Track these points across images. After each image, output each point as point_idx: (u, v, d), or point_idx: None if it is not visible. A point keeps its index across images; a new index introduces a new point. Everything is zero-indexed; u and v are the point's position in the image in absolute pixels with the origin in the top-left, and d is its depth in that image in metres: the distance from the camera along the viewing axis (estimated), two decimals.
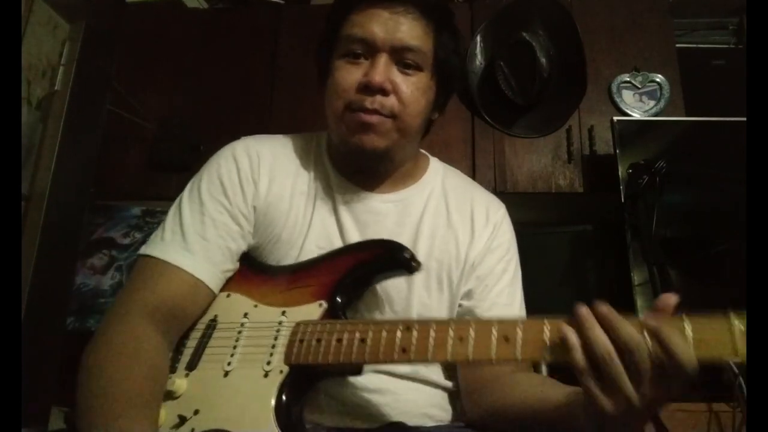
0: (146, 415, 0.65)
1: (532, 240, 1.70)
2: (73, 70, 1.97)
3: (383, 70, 0.79)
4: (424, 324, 0.67)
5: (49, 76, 1.94)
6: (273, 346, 0.73)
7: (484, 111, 1.83)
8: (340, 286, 0.77)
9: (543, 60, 1.73)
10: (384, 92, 0.79)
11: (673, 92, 1.80)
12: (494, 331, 0.62)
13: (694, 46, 2.09)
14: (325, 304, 0.76)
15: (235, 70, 1.94)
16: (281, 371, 0.71)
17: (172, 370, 0.74)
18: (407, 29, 0.80)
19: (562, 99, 1.81)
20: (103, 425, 0.62)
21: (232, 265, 0.83)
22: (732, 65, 1.95)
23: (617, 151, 1.63)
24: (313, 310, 0.76)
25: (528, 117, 1.82)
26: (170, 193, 1.82)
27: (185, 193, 0.86)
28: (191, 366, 0.74)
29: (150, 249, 0.79)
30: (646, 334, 0.54)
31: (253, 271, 0.84)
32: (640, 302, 1.47)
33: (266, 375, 0.71)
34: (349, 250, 0.82)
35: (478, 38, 1.87)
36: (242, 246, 0.84)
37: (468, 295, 0.87)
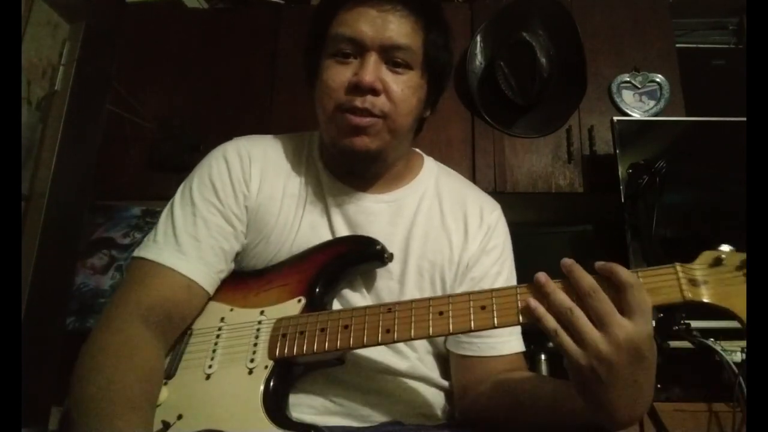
0: (142, 417, 0.65)
1: (532, 240, 1.70)
2: (73, 70, 1.97)
3: (373, 69, 0.78)
4: (404, 304, 0.70)
5: (49, 76, 1.94)
6: (255, 344, 0.74)
7: (484, 111, 1.83)
8: (316, 280, 0.78)
9: (543, 60, 1.73)
10: (374, 92, 0.78)
11: (673, 92, 1.80)
12: (471, 303, 0.66)
13: (694, 46, 2.09)
14: (304, 300, 0.77)
15: (235, 70, 1.94)
16: (266, 366, 0.72)
17: None
18: (396, 27, 0.79)
19: (562, 99, 1.81)
20: (98, 427, 0.62)
21: (226, 266, 0.83)
22: (732, 65, 1.95)
23: (617, 151, 1.63)
24: (293, 307, 0.77)
25: (528, 117, 1.82)
26: (170, 193, 1.80)
27: (177, 196, 0.86)
28: (169, 374, 0.74)
29: (143, 251, 0.79)
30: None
31: (226, 278, 0.84)
32: None
33: (251, 372, 0.72)
34: (321, 247, 0.83)
35: (478, 38, 1.87)
36: (235, 246, 0.84)
37: None
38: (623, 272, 0.59)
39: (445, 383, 0.86)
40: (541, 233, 1.81)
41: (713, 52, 2.05)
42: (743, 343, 1.29)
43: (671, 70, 1.84)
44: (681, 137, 1.66)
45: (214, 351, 0.76)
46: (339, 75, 0.80)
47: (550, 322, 0.60)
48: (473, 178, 1.76)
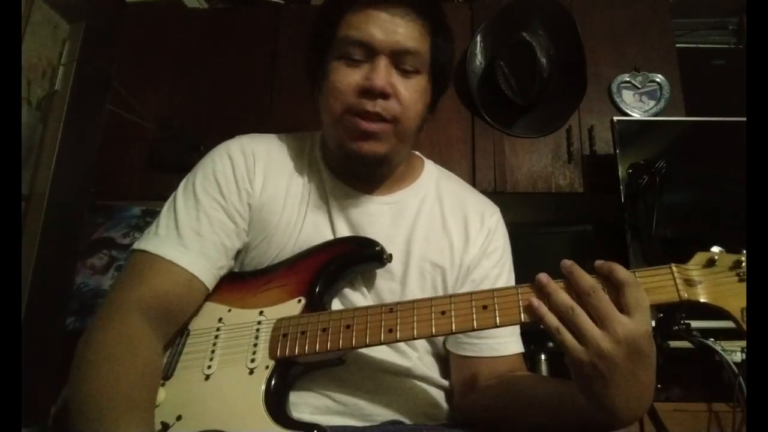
0: (142, 416, 0.65)
1: (532, 240, 1.70)
2: (73, 70, 1.97)
3: (385, 73, 0.78)
4: (406, 303, 0.70)
5: (49, 76, 1.94)
6: (255, 345, 0.74)
7: (484, 111, 1.83)
8: (316, 281, 0.78)
9: (543, 60, 1.73)
10: (385, 96, 0.78)
11: (673, 92, 1.80)
12: (473, 302, 0.67)
13: (694, 46, 2.09)
14: (304, 300, 0.77)
15: (235, 70, 1.94)
16: (267, 366, 0.72)
17: None
18: (405, 31, 0.79)
19: (562, 99, 1.81)
20: (98, 427, 0.62)
21: (227, 262, 0.83)
22: (732, 65, 1.96)
23: (617, 151, 1.63)
24: (293, 307, 0.77)
25: (528, 117, 1.82)
26: (170, 193, 1.81)
27: (179, 190, 0.85)
28: (166, 375, 0.74)
29: (144, 244, 0.78)
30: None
31: (223, 279, 0.84)
32: None
33: (251, 372, 0.72)
34: (320, 248, 0.83)
35: (478, 38, 1.87)
36: (237, 243, 0.84)
37: None
38: (621, 271, 0.61)
39: (445, 382, 0.86)
40: (541, 233, 1.81)
41: (713, 52, 2.05)
42: (743, 343, 1.29)
43: (671, 70, 1.84)
44: (681, 137, 1.66)
45: (212, 352, 0.75)
46: (348, 77, 0.79)
47: (552, 320, 0.61)
48: (473, 178, 1.77)
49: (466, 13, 1.93)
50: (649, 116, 1.78)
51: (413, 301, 0.70)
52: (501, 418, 0.76)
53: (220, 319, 0.79)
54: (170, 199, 0.85)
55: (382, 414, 0.79)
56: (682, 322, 1.27)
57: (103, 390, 0.64)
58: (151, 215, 1.83)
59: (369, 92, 0.77)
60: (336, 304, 0.82)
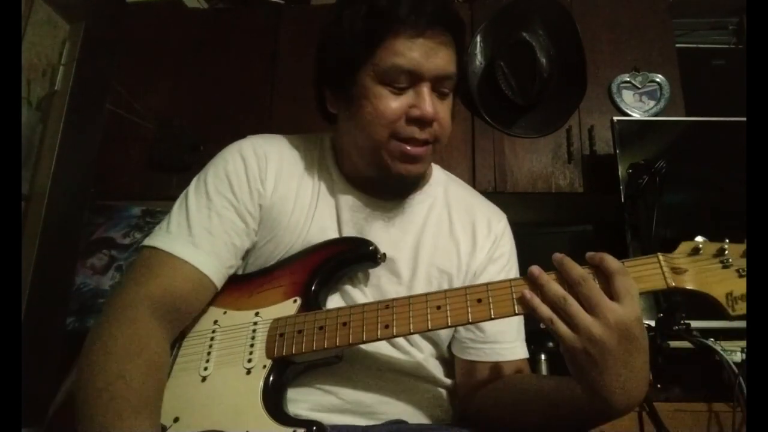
0: (149, 414, 0.65)
1: (532, 240, 1.70)
2: (73, 70, 1.97)
3: (432, 101, 0.79)
4: (402, 300, 0.71)
5: (49, 76, 1.94)
6: (251, 345, 0.74)
7: (484, 111, 1.83)
8: (311, 281, 0.79)
9: (543, 60, 1.73)
10: (431, 123, 0.80)
11: (673, 92, 1.80)
12: (467, 296, 0.68)
13: (694, 46, 2.09)
14: (299, 300, 0.77)
15: (235, 70, 1.94)
16: (264, 366, 0.72)
17: None
18: (446, 56, 0.80)
19: (562, 99, 1.80)
20: (105, 424, 0.62)
21: (236, 262, 0.83)
22: (732, 65, 1.95)
23: (617, 151, 1.63)
24: (288, 307, 0.77)
25: (528, 117, 1.82)
26: (170, 193, 1.83)
27: (191, 188, 0.85)
28: None
29: (155, 240, 0.78)
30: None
31: None
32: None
33: (249, 372, 0.72)
34: (315, 249, 0.83)
35: (478, 38, 1.87)
36: (246, 243, 0.84)
37: None
38: (611, 261, 0.63)
39: (449, 382, 0.87)
40: (541, 233, 1.81)
41: (713, 52, 2.05)
42: (743, 343, 1.29)
43: (671, 70, 1.84)
44: (681, 137, 1.66)
45: (208, 353, 0.76)
46: (394, 104, 0.79)
47: (545, 311, 0.63)
48: (473, 178, 1.77)
49: (466, 13, 1.92)
50: (649, 116, 1.77)
51: (409, 297, 0.71)
52: (503, 416, 0.77)
53: (215, 322, 0.79)
54: (182, 197, 0.85)
55: (386, 412, 0.79)
56: (682, 322, 1.27)
57: (111, 387, 0.64)
58: (151, 215, 1.83)
59: (420, 121, 0.79)
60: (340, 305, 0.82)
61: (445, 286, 0.86)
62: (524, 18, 1.83)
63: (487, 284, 0.68)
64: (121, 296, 0.74)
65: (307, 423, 0.67)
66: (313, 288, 0.78)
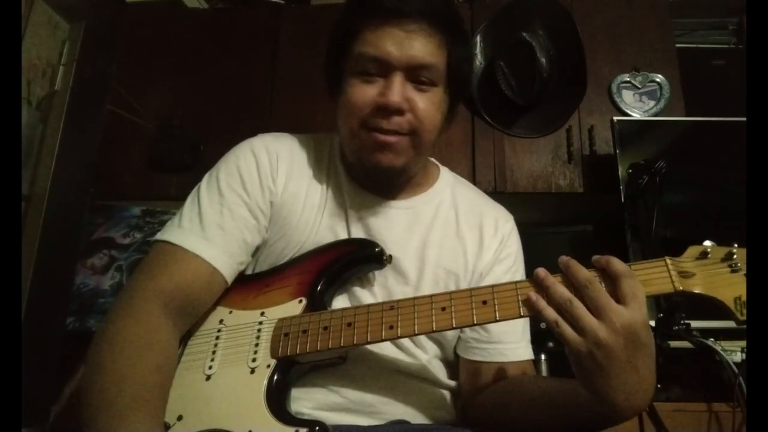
0: (154, 413, 0.65)
1: (532, 240, 1.70)
2: (73, 70, 1.97)
3: (399, 90, 0.78)
4: (406, 301, 0.71)
5: (49, 76, 1.94)
6: (256, 345, 0.74)
7: (484, 111, 1.83)
8: (317, 282, 0.79)
9: (543, 60, 1.73)
10: (400, 112, 0.78)
11: (673, 92, 1.80)
12: (472, 298, 0.68)
13: (694, 46, 2.09)
14: (305, 300, 0.78)
15: (235, 70, 1.94)
16: (268, 365, 0.72)
17: None
18: (421, 47, 0.78)
19: (562, 99, 1.80)
20: (109, 419, 0.62)
21: (246, 258, 0.83)
22: (732, 65, 1.95)
23: (617, 151, 1.63)
24: (294, 307, 0.77)
25: (528, 117, 1.82)
26: (170, 193, 1.83)
27: (203, 184, 0.85)
28: None
29: (167, 235, 0.78)
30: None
31: None
32: None
33: (253, 371, 0.72)
34: (321, 250, 0.83)
35: (478, 38, 1.87)
36: (257, 240, 0.84)
37: None
38: (617, 264, 0.63)
39: (452, 383, 0.87)
40: (541, 233, 1.81)
41: (713, 52, 2.05)
42: (743, 343, 1.29)
43: (671, 70, 1.83)
44: (681, 137, 1.66)
45: (213, 352, 0.76)
46: (364, 93, 0.79)
47: (551, 313, 0.62)
48: (473, 178, 1.77)
49: (466, 13, 1.92)
50: (649, 116, 1.77)
51: (414, 299, 0.71)
52: (507, 418, 0.77)
53: (221, 321, 0.79)
54: (193, 193, 0.85)
55: (389, 412, 0.79)
56: (682, 322, 1.27)
57: (117, 383, 0.64)
58: (151, 215, 1.83)
59: (384, 109, 0.78)
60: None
61: (452, 287, 0.86)
62: (524, 18, 1.83)
63: (492, 286, 0.68)
64: (132, 290, 0.74)
65: (310, 423, 0.67)
66: (318, 288, 0.79)
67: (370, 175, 0.86)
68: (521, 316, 0.66)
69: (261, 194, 0.84)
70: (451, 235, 0.89)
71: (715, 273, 0.66)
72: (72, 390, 0.77)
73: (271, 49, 1.95)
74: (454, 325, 0.68)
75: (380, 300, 0.83)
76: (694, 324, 1.29)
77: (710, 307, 0.66)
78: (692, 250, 0.68)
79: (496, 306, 0.67)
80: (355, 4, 0.83)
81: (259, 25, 1.98)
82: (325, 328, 0.72)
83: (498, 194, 1.75)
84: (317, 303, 0.77)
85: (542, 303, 0.64)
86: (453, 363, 0.88)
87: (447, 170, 1.00)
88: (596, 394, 0.61)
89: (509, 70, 1.77)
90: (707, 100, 1.81)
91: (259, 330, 0.76)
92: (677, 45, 1.90)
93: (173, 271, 0.75)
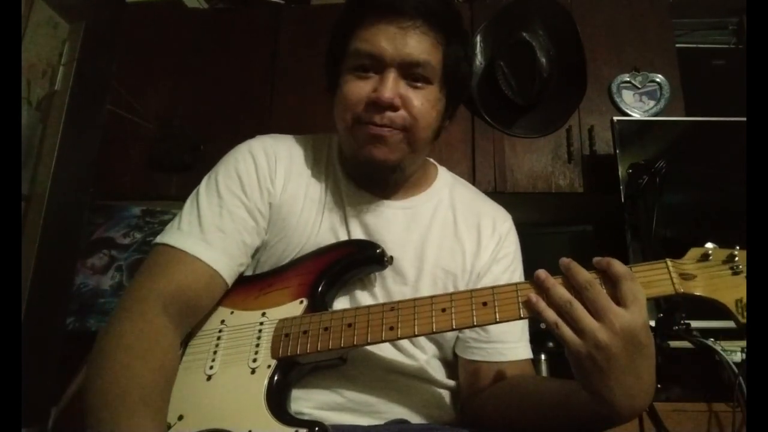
0: (156, 414, 0.65)
1: (532, 240, 1.70)
2: (73, 70, 1.97)
3: (392, 86, 0.78)
4: (407, 302, 0.71)
5: (49, 76, 1.94)
6: (257, 345, 0.75)
7: (484, 111, 1.83)
8: (318, 283, 0.79)
9: (543, 60, 1.73)
10: (393, 108, 0.78)
11: (673, 92, 1.80)
12: (473, 299, 0.68)
13: (694, 46, 2.09)
14: (306, 301, 0.78)
15: (235, 70, 1.94)
16: (269, 366, 0.72)
17: None
18: (415, 44, 0.79)
19: (562, 99, 1.80)
20: (110, 421, 0.62)
21: (246, 260, 0.83)
22: (732, 65, 1.95)
23: (617, 151, 1.63)
24: (294, 308, 0.77)
25: (528, 117, 1.82)
26: (170, 193, 1.83)
27: (202, 186, 0.85)
28: None
29: (167, 238, 0.78)
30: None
31: None
32: None
33: (253, 372, 0.72)
34: (322, 251, 0.83)
35: (478, 38, 1.87)
36: (256, 242, 0.84)
37: None
38: (618, 266, 0.63)
39: (451, 383, 0.87)
40: (541, 233, 1.81)
41: (713, 52, 2.05)
42: (743, 343, 1.29)
43: (671, 70, 1.83)
44: (681, 137, 1.66)
45: (214, 353, 0.76)
46: (358, 89, 0.80)
47: (551, 315, 0.62)
48: (473, 178, 1.77)
49: (466, 13, 1.92)
50: (649, 116, 1.77)
51: (414, 300, 0.71)
52: (506, 418, 0.77)
53: (222, 321, 0.79)
54: (192, 195, 0.85)
55: (389, 412, 0.79)
56: (682, 322, 1.27)
57: (118, 383, 0.64)
58: (151, 215, 1.83)
59: (376, 105, 0.78)
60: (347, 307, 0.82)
61: (450, 287, 0.86)
62: (524, 18, 1.83)
63: (492, 287, 0.68)
64: (133, 293, 0.74)
65: (309, 423, 0.67)
66: (319, 289, 0.79)
67: (367, 173, 0.86)
68: (521, 318, 0.66)
69: (260, 196, 0.84)
70: (449, 235, 0.89)
71: (716, 275, 0.66)
72: (73, 391, 0.77)
73: (271, 49, 1.95)
74: (454, 327, 0.68)
75: (380, 300, 0.83)
76: (694, 324, 1.29)
77: (710, 307, 0.66)
78: (693, 252, 0.68)
79: (496, 307, 0.67)
80: (354, 2, 0.83)
81: (259, 25, 1.98)
82: (326, 329, 0.72)
83: (498, 194, 1.75)
84: (318, 304, 0.77)
85: (542, 304, 0.64)
86: (452, 363, 0.88)
87: (445, 170, 1.00)
88: (596, 395, 0.61)
89: (509, 70, 1.77)
90: (707, 100, 1.81)
91: (260, 330, 0.76)
92: (677, 45, 1.90)
93: (173, 274, 0.75)
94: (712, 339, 1.28)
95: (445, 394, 0.86)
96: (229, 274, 0.79)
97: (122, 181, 1.85)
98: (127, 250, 1.81)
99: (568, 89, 1.80)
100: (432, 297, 0.71)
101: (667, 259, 0.66)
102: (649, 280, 0.65)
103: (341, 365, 0.77)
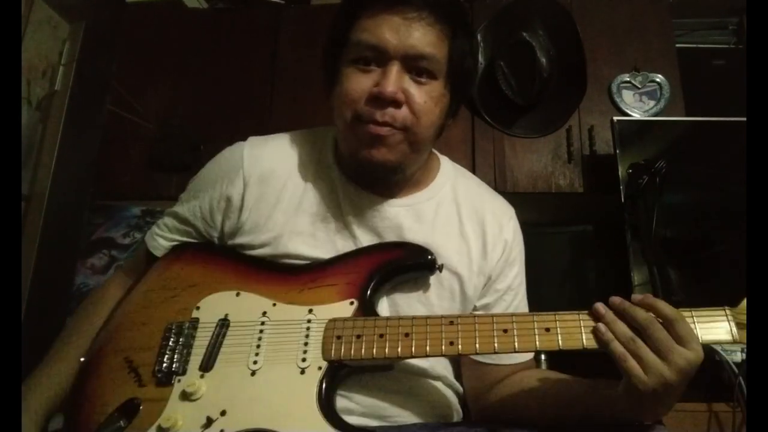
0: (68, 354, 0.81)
1: (532, 240, 1.70)
2: (73, 70, 1.97)
3: (395, 79, 0.75)
4: (467, 318, 0.71)
5: (49, 76, 1.93)
6: (305, 344, 0.72)
7: (484, 111, 1.83)
8: (368, 284, 0.77)
9: (543, 60, 1.73)
10: (396, 104, 0.75)
11: (673, 92, 1.80)
12: (535, 323, 0.68)
13: (694, 46, 2.08)
14: (356, 302, 0.76)
15: (235, 70, 1.94)
16: (320, 367, 0.70)
17: (182, 371, 0.73)
18: (421, 36, 0.75)
19: (562, 99, 1.80)
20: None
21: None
22: (732, 65, 1.95)
23: (617, 151, 1.63)
24: (344, 309, 0.75)
25: (528, 117, 1.82)
26: (170, 193, 1.82)
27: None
28: (206, 367, 0.73)
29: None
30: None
31: (264, 269, 0.82)
32: None
33: (303, 372, 0.70)
34: (370, 250, 0.82)
35: (478, 38, 1.87)
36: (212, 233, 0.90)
37: (485, 308, 0.88)
38: (666, 307, 0.65)
39: (458, 384, 0.87)
40: (541, 233, 1.81)
41: (713, 52, 2.05)
42: (743, 343, 1.29)
43: (671, 70, 1.83)
44: (681, 137, 1.66)
45: (258, 346, 0.73)
46: (359, 83, 0.77)
47: (619, 347, 0.64)
48: None
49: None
50: (649, 116, 1.77)
51: (474, 316, 0.71)
52: (525, 417, 0.77)
53: (264, 313, 0.76)
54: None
55: (400, 415, 0.78)
56: None
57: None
58: (151, 215, 1.83)
59: (379, 100, 0.75)
60: None
61: (456, 288, 0.84)
62: (524, 18, 1.82)
63: (555, 314, 0.68)
64: None
65: (362, 430, 0.67)
66: (368, 291, 0.77)
67: (366, 172, 0.83)
68: (584, 348, 0.66)
69: (216, 204, 0.88)
70: (454, 233, 0.87)
71: None
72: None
73: (271, 49, 1.94)
74: (516, 348, 0.68)
75: (384, 299, 0.82)
76: None
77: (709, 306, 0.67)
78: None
79: (559, 335, 0.67)
80: None
81: (259, 25, 1.98)
82: (381, 336, 0.70)
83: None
84: (367, 306, 0.75)
85: (610, 335, 0.64)
86: (456, 361, 0.88)
87: (447, 160, 0.97)
88: (640, 413, 0.66)
89: (509, 70, 1.77)
90: (707, 100, 1.81)
91: (308, 328, 0.74)
92: (677, 45, 1.90)
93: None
94: None
95: (453, 395, 0.86)
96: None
97: (122, 181, 1.85)
98: (127, 250, 1.81)
99: (568, 89, 1.80)
100: (493, 315, 0.70)
101: (726, 308, 0.67)
102: (709, 326, 0.66)
103: (389, 370, 0.75)
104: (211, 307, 0.78)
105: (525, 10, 1.84)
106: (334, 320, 0.73)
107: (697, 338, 0.63)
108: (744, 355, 1.26)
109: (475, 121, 1.85)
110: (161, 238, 0.90)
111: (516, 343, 0.68)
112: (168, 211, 0.93)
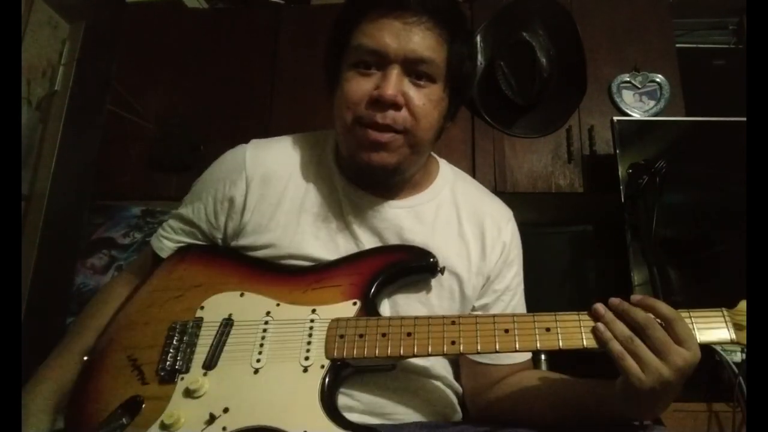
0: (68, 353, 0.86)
1: (532, 240, 1.70)
2: (73, 70, 1.97)
3: (395, 82, 0.76)
4: (468, 318, 0.71)
5: (49, 76, 1.93)
6: (308, 342, 0.73)
7: (484, 111, 1.83)
8: (371, 285, 0.78)
9: (543, 60, 1.73)
10: (396, 106, 0.77)
11: (673, 92, 1.80)
12: (535, 323, 0.69)
13: (694, 46, 2.08)
14: (359, 303, 0.76)
15: (235, 70, 1.94)
16: (322, 366, 0.71)
17: (185, 369, 0.73)
18: (420, 40, 0.77)
19: (562, 99, 1.80)
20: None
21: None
22: (732, 65, 1.95)
23: (617, 151, 1.63)
24: (347, 309, 0.76)
25: (528, 117, 1.82)
26: (170, 193, 1.82)
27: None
28: (209, 365, 0.73)
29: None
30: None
31: (268, 270, 0.83)
32: None
33: (306, 370, 0.71)
34: (374, 252, 0.83)
35: (478, 38, 1.87)
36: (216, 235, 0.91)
37: (484, 308, 0.89)
38: (664, 307, 0.66)
39: (457, 384, 0.87)
40: (541, 233, 1.81)
41: (713, 52, 2.05)
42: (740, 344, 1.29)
43: (671, 70, 1.83)
44: (681, 137, 1.66)
45: (261, 345, 0.74)
46: (360, 87, 0.78)
47: (617, 346, 0.65)
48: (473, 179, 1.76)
49: (466, 13, 1.92)
50: (649, 116, 1.77)
51: (475, 316, 0.72)
52: (524, 416, 0.78)
53: (267, 313, 0.77)
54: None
55: (401, 413, 0.79)
56: None
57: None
58: (151, 215, 1.83)
59: (379, 103, 0.76)
60: None
61: (456, 289, 0.85)
62: (524, 18, 1.82)
63: (555, 314, 0.69)
64: None
65: (365, 428, 0.67)
66: (371, 292, 0.78)
67: (366, 174, 0.84)
68: (584, 347, 0.67)
69: (220, 206, 0.89)
70: (453, 235, 0.88)
71: None
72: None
73: (271, 49, 1.94)
74: (517, 348, 0.69)
75: (385, 300, 0.82)
76: None
77: (709, 305, 0.68)
78: (745, 304, 0.69)
79: (560, 334, 0.68)
80: None
81: (259, 25, 1.98)
82: (384, 335, 0.71)
83: (498, 194, 1.72)
84: (370, 307, 0.76)
85: (609, 335, 0.65)
86: (455, 362, 0.88)
87: (446, 164, 0.98)
88: (639, 412, 0.66)
89: (509, 70, 1.77)
90: (707, 100, 1.81)
91: (311, 327, 0.75)
92: (677, 45, 1.90)
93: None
94: None
95: (453, 395, 0.86)
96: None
97: (122, 181, 1.85)
98: (127, 250, 1.81)
99: (568, 89, 1.80)
100: (493, 316, 0.71)
101: (723, 309, 0.68)
102: (707, 326, 0.67)
103: (391, 370, 0.76)
104: (215, 307, 0.79)
105: (525, 10, 1.84)
106: (337, 320, 0.74)
107: (695, 338, 0.64)
108: (744, 355, 1.26)
109: (475, 121, 1.85)
110: (167, 240, 0.91)
111: (517, 343, 0.68)
112: (172, 213, 0.94)
